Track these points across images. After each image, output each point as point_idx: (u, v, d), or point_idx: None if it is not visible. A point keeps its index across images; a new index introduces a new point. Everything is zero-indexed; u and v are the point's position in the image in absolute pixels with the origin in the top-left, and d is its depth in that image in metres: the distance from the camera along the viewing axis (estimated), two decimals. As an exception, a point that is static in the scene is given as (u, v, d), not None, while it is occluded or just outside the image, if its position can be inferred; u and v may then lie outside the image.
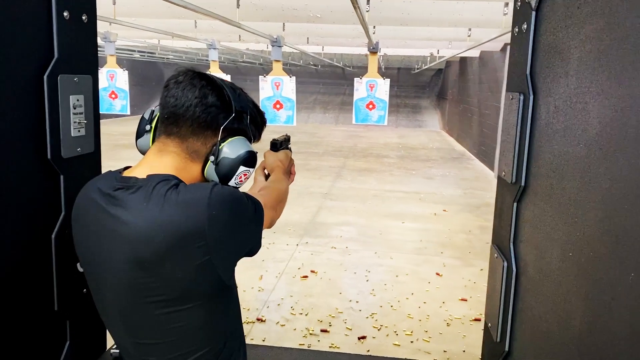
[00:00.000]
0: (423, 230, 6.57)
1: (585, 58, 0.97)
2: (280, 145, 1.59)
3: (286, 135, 1.68)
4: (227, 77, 8.13)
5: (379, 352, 3.62)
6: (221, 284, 1.09)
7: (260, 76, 7.09)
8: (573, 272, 0.97)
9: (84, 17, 1.56)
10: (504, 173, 1.45)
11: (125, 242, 1.04)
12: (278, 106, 7.09)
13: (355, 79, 7.61)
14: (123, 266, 1.05)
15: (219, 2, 5.53)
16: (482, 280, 4.93)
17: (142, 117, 1.24)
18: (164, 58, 18.57)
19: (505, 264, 1.40)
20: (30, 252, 1.44)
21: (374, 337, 3.83)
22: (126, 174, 1.12)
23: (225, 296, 1.14)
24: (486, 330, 1.59)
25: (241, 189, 1.23)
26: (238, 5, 5.55)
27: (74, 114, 1.53)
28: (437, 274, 5.10)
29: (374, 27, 7.34)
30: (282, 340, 3.74)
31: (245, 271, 4.98)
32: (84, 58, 1.59)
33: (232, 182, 1.17)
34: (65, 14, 1.47)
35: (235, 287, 1.21)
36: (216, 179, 1.15)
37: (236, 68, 19.23)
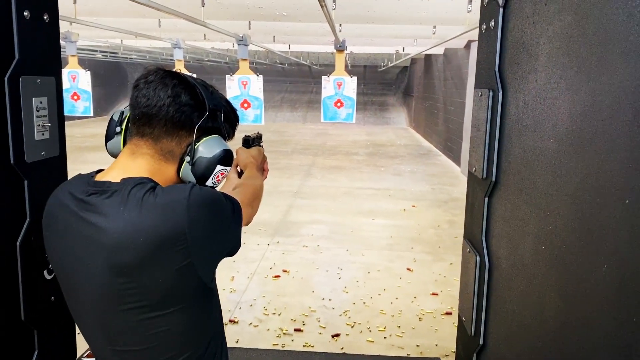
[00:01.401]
0: (393, 226, 6.63)
1: (554, 54, 0.99)
2: (252, 141, 1.58)
3: (258, 132, 1.67)
4: (193, 77, 8.04)
5: (353, 349, 3.64)
6: (202, 286, 1.07)
7: (227, 75, 7.02)
8: (546, 265, 0.99)
9: (45, 17, 1.51)
10: (474, 169, 1.47)
11: (102, 248, 1.01)
12: (246, 105, 7.04)
13: (323, 77, 7.62)
14: (101, 273, 1.02)
15: (183, 1, 5.45)
16: (452, 275, 5.00)
17: (111, 119, 1.20)
18: (127, 58, 18.21)
19: (478, 258, 1.42)
20: (-7, 260, 1.39)
21: (347, 335, 3.84)
22: (99, 177, 1.09)
23: (207, 298, 1.12)
24: (460, 324, 1.61)
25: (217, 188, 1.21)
26: (203, 4, 5.48)
27: (37, 116, 1.48)
28: (408, 269, 5.15)
29: (340, 25, 7.36)
30: (255, 341, 3.72)
31: (216, 272, 4.93)
32: (47, 59, 1.53)
33: (209, 182, 1.15)
34: (25, 13, 1.42)
35: (216, 289, 1.19)
36: (193, 179, 1.13)
37: (202, 67, 19.02)
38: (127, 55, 16.23)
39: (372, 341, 3.76)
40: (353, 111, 7.88)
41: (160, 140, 1.10)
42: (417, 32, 8.25)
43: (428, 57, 15.49)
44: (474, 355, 1.44)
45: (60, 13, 5.08)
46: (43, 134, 1.51)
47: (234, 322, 3.99)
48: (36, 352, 1.56)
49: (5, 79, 1.37)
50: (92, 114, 8.27)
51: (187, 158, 1.11)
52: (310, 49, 12.50)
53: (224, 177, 1.19)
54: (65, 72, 7.64)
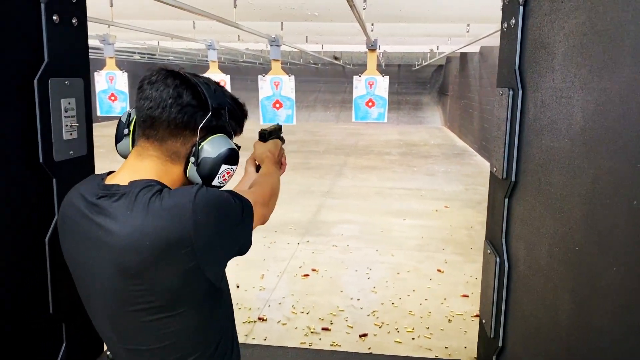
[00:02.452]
0: (424, 227, 6.57)
1: (570, 52, 0.97)
2: (269, 135, 1.57)
3: (277, 124, 1.67)
4: (227, 78, 8.14)
5: (380, 350, 3.63)
6: (210, 287, 1.09)
7: (259, 76, 7.08)
8: (560, 267, 0.97)
9: (74, 21, 1.57)
10: (495, 169, 1.45)
11: (110, 251, 1.03)
12: (277, 105, 7.08)
13: (355, 76, 7.59)
14: (110, 275, 1.05)
15: (216, 3, 5.53)
16: (483, 276, 4.93)
17: (120, 121, 1.22)
18: (164, 59, 18.57)
19: (498, 259, 1.40)
20: (24, 256, 1.44)
21: (375, 335, 3.83)
22: (109, 179, 1.11)
23: (215, 299, 1.13)
24: (481, 326, 1.58)
25: (231, 183, 1.22)
26: (235, 5, 5.55)
27: (66, 117, 1.54)
28: (439, 270, 5.10)
29: (372, 24, 7.33)
30: (283, 339, 3.75)
31: (246, 270, 4.99)
32: (75, 61, 1.59)
33: (215, 182, 1.15)
34: (54, 17, 1.47)
35: (227, 288, 1.20)
36: (199, 179, 1.14)
37: (237, 68, 19.23)
38: (164, 56, 16.56)
39: (400, 342, 3.74)
40: (385, 111, 7.83)
41: (165, 141, 1.10)
42: (450, 30, 8.16)
43: (464, 56, 15.27)
44: (494, 357, 1.42)
45: (97, 16, 5.18)
46: (71, 134, 1.57)
47: (263, 319, 4.03)
48: (64, 345, 1.62)
49: (35, 80, 1.42)
50: (129, 115, 8.44)
51: (192, 159, 1.12)
52: (344, 49, 12.49)
53: (230, 176, 1.18)
54: (103, 73, 7.85)
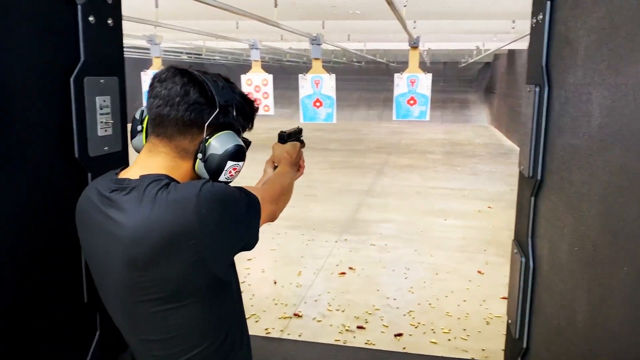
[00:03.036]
0: (466, 227, 6.47)
1: (590, 48, 0.94)
2: (287, 137, 1.60)
3: (297, 127, 1.69)
4: (269, 77, 8.23)
5: (416, 350, 3.60)
6: (216, 280, 1.11)
7: (299, 75, 7.14)
8: (577, 267, 0.94)
9: (109, 22, 1.63)
10: (522, 167, 1.42)
11: (119, 243, 1.07)
12: (318, 104, 7.12)
13: (396, 74, 7.54)
14: (119, 266, 1.09)
15: (258, 2, 5.60)
16: (524, 278, 4.81)
17: (134, 118, 1.26)
18: (210, 59, 18.94)
19: (523, 259, 1.37)
20: (60, 247, 1.51)
21: (410, 335, 3.81)
22: (122, 174, 1.15)
23: (223, 291, 1.15)
24: (507, 327, 1.55)
25: (248, 182, 1.24)
26: (276, 5, 5.61)
27: (101, 114, 1.60)
28: (479, 271, 5.01)
29: (415, 21, 7.26)
30: (318, 335, 3.77)
31: (284, 267, 5.04)
32: (110, 60, 1.65)
33: (222, 178, 1.17)
34: (90, 18, 1.54)
35: (235, 281, 1.21)
36: (206, 175, 1.16)
37: (281, 67, 19.42)
38: (210, 56, 16.89)
39: (436, 342, 3.70)
40: (427, 109, 7.74)
41: (174, 138, 1.13)
42: (495, 27, 7.98)
43: (511, 53, 14.91)
44: (519, 359, 1.39)
45: (143, 17, 5.33)
46: (106, 130, 1.63)
47: (299, 316, 4.07)
48: (98, 333, 1.69)
49: (71, 79, 1.49)
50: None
51: (200, 155, 1.14)
52: (387, 47, 12.41)
53: (237, 172, 1.20)
54: (149, 72, 8.09)
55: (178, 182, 1.10)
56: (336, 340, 3.70)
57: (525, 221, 1.39)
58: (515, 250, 1.47)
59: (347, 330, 3.86)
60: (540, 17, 1.31)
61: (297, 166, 1.62)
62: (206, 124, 1.13)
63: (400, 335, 3.79)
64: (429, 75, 7.61)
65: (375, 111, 21.48)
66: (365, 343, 3.68)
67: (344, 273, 4.93)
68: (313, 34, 7.04)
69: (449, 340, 3.74)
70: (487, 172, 10.14)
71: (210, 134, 1.15)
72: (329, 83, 7.08)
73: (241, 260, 5.17)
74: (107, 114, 1.63)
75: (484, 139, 15.47)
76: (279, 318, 4.02)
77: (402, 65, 8.95)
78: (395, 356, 2.38)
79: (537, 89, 1.29)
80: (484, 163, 11.21)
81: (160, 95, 1.12)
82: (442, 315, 4.11)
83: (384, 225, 6.51)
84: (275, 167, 1.57)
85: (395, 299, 4.39)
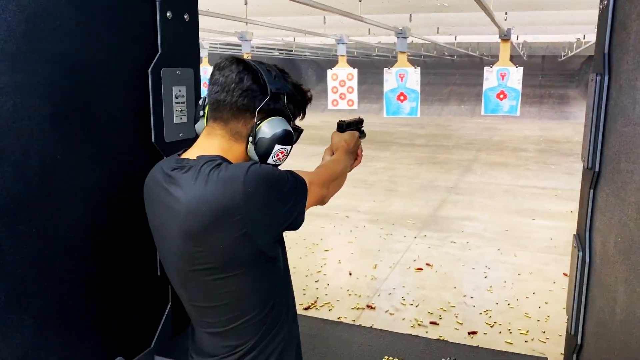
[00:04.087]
0: (555, 228, 6.16)
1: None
2: (346, 126, 1.64)
3: (358, 117, 1.73)
4: (354, 71, 8.29)
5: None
6: (262, 254, 1.18)
7: (384, 68, 7.13)
8: (619, 258, 0.91)
9: (185, 16, 1.76)
10: (583, 158, 1.37)
11: (177, 215, 1.17)
12: (402, 98, 7.07)
13: (485, 67, 7.32)
14: (175, 237, 1.19)
15: (343, -3, 5.67)
16: (616, 284, 4.52)
17: (197, 104, 1.37)
18: (300, 55, 19.32)
19: (580, 254, 1.32)
20: (137, 223, 1.66)
21: (485, 334, 3.72)
22: (184, 155, 1.26)
23: (269, 265, 1.22)
24: (567, 324, 1.50)
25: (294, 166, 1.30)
26: (360, -1, 5.65)
27: (176, 103, 1.74)
28: (565, 274, 4.77)
29: (506, 13, 6.99)
30: (389, 327, 3.77)
31: (359, 259, 5.09)
32: (186, 53, 1.78)
33: (270, 160, 1.24)
34: (168, 13, 1.67)
35: (283, 257, 1.28)
36: (256, 157, 1.24)
37: (370, 62, 19.39)
38: (301, 52, 17.23)
39: (511, 343, 3.60)
40: (517, 104, 7.43)
41: (229, 122, 1.22)
42: (595, 17, 7.49)
43: (616, 45, 13.87)
44: (574, 356, 1.35)
45: (233, 14, 5.58)
46: (181, 118, 1.77)
47: (372, 307, 4.11)
48: (169, 304, 1.84)
49: (149, 70, 1.63)
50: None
51: (251, 138, 1.23)
52: (478, 39, 12.02)
53: (284, 155, 1.27)
54: (241, 68, 8.42)
55: (230, 163, 1.19)
56: (407, 334, 3.70)
57: (584, 214, 1.34)
58: (574, 245, 1.42)
59: (419, 324, 3.84)
60: (605, 3, 1.26)
61: (354, 155, 1.66)
62: (257, 109, 1.21)
63: (474, 333, 3.72)
64: (520, 69, 7.30)
65: (467, 106, 20.85)
66: (437, 339, 3.64)
67: (420, 269, 4.89)
68: (399, 27, 7.00)
69: (526, 341, 3.62)
70: (583, 172, 9.55)
71: (261, 119, 1.22)
72: (413, 77, 7.01)
73: (318, 250, 5.29)
74: (183, 102, 1.76)
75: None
76: (352, 308, 4.08)
77: (497, 59, 8.67)
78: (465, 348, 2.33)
79: (599, 78, 1.24)
80: (582, 162, 10.55)
81: (219, 82, 1.22)
82: (521, 316, 3.97)
83: (467, 223, 6.35)
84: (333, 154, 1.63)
85: (472, 297, 4.30)
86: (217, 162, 1.17)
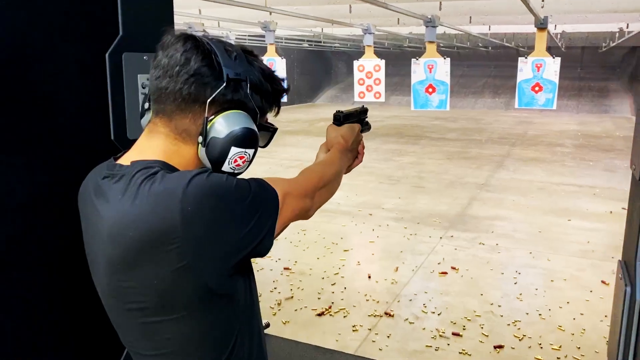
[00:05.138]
0: (593, 230, 5.74)
1: None
2: (344, 118, 1.36)
3: (361, 106, 1.44)
4: (382, 62, 7.95)
5: (517, 366, 3.20)
6: (211, 292, 0.92)
7: (412, 59, 6.78)
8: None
9: (155, -9, 1.51)
10: (634, 166, 1.07)
11: (101, 238, 0.93)
12: (430, 90, 6.72)
13: (520, 58, 6.89)
14: (103, 265, 0.95)
15: (367, -17, 5.35)
16: (661, 295, 4.12)
17: (145, 95, 1.10)
18: (330, 47, 19.00)
19: (628, 289, 1.03)
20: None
21: (512, 348, 3.40)
22: (119, 160, 1.00)
23: (223, 305, 0.96)
24: (608, 369, 1.21)
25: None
26: (386, -15, 5.32)
27: (143, 93, 1.49)
28: (603, 282, 4.39)
29: (543, 0, 6.55)
30: (407, 338, 3.51)
31: (380, 261, 4.80)
32: (156, 35, 1.53)
33: (226, 167, 0.97)
34: (131, -14, 1.42)
35: (245, 292, 1.00)
36: (209, 164, 0.97)
37: (402, 53, 18.91)
38: (330, 43, 16.91)
39: (541, 359, 3.26)
40: (554, 96, 6.98)
41: (174, 117, 0.95)
42: (641, 3, 6.97)
43: (663, 34, 13.11)
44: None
45: (256, 3, 5.32)
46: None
47: (390, 315, 3.82)
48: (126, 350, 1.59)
49: (107, 55, 1.39)
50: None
51: (201, 138, 0.95)
52: (513, 29, 11.48)
53: (245, 161, 0.98)
54: (264, 59, 8.19)
55: (169, 171, 0.92)
56: (427, 346, 3.41)
57: (635, 237, 1.04)
58: (619, 275, 1.12)
59: (440, 335, 3.54)
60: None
61: (354, 153, 1.38)
62: (209, 100, 0.94)
63: (500, 347, 3.40)
64: (558, 60, 6.85)
65: (502, 99, 20.19)
66: (460, 352, 3.34)
67: (445, 273, 4.57)
68: (428, 16, 6.64)
69: (558, 358, 3.28)
70: (625, 169, 8.99)
71: (215, 114, 0.96)
72: (443, 68, 6.64)
73: (337, 251, 5.02)
74: (152, 93, 1.51)
75: (625, 132, 13.82)
76: (369, 315, 3.80)
77: (533, 50, 8.22)
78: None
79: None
80: (622, 159, 9.98)
81: (161, 64, 0.96)
82: (553, 329, 3.63)
83: (497, 222, 5.98)
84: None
85: (500, 306, 3.97)
86: (153, 170, 0.91)
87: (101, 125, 1.42)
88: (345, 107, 1.43)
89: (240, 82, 0.96)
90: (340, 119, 1.34)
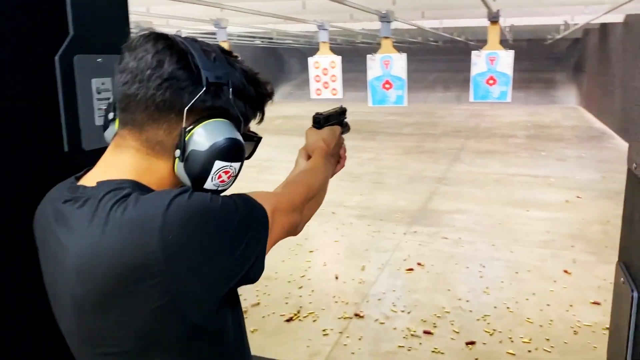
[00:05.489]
0: (551, 219, 5.86)
1: None
2: (324, 120, 1.26)
3: (340, 107, 1.35)
4: (338, 59, 7.88)
5: (489, 362, 3.19)
6: (198, 330, 0.80)
7: (368, 55, 6.74)
8: None
9: (109, -12, 1.36)
10: (635, 165, 1.02)
11: (66, 274, 0.80)
12: (387, 86, 6.69)
13: (473, 52, 6.96)
14: (70, 305, 0.81)
15: (322, -22, 5.26)
16: (620, 281, 4.22)
17: (108, 104, 0.96)
18: (282, 44, 18.82)
19: (636, 294, 0.98)
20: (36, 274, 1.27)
21: (484, 344, 3.39)
22: (82, 180, 0.87)
23: (211, 342, 0.84)
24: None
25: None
26: (341, -20, 5.24)
27: (99, 99, 1.35)
28: (565, 271, 4.46)
29: (494, -7, 6.62)
30: (379, 340, 3.45)
31: (346, 260, 4.74)
32: (112, 35, 1.38)
33: (209, 184, 0.85)
34: (81, -16, 1.28)
35: (235, 324, 0.89)
36: (188, 181, 0.85)
37: (354, 49, 18.94)
38: (282, 40, 16.74)
39: (513, 354, 3.27)
40: (508, 89, 7.09)
41: (145, 129, 0.83)
42: (587, -4, 7.16)
43: (604, 27, 13.60)
44: None
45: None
46: (107, 119, 1.37)
47: (360, 316, 3.76)
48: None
49: (57, 58, 1.24)
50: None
51: (178, 152, 0.83)
52: (465, 24, 11.64)
53: (230, 176, 0.87)
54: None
55: (143, 193, 0.79)
56: (399, 346, 3.37)
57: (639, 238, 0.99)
58: (622, 279, 1.07)
59: (412, 335, 3.50)
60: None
61: (336, 157, 1.28)
62: (186, 108, 0.82)
63: (472, 343, 3.39)
64: (511, 53, 6.96)
65: (453, 93, 20.54)
66: (432, 351, 3.31)
67: (411, 269, 4.54)
68: (382, 11, 6.60)
69: (529, 351, 3.30)
70: (575, 158, 9.28)
71: (194, 123, 0.84)
72: (399, 63, 6.63)
73: (302, 252, 4.92)
74: (108, 99, 1.36)
75: (573, 122, 14.30)
76: (339, 318, 3.72)
77: (483, 44, 8.33)
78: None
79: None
80: (573, 147, 10.29)
81: (129, 67, 0.83)
82: (522, 322, 3.65)
83: (458, 216, 6.02)
84: (310, 158, 1.25)
85: (468, 301, 3.97)
86: (124, 192, 0.78)
87: (52, 137, 1.27)
88: (324, 109, 1.34)
89: (221, 86, 0.84)
90: (320, 121, 1.25)
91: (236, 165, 0.87)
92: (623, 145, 10.29)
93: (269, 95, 0.95)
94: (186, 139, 0.83)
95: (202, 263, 0.75)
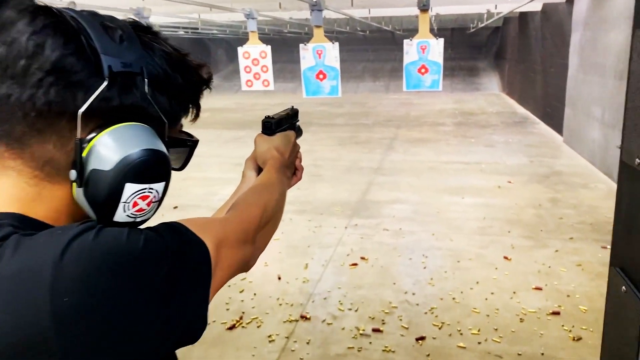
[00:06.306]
0: (486, 206, 5.94)
1: None
2: (276, 125, 1.07)
3: (291, 108, 1.16)
4: (267, 48, 7.63)
5: (441, 357, 3.12)
6: None
7: (300, 44, 6.55)
8: None
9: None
10: (637, 161, 0.90)
11: None
12: (321, 76, 6.54)
13: (405, 40, 6.92)
14: None
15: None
16: (558, 264, 4.30)
17: None
18: (208, 34, 18.24)
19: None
20: None
21: (434, 338, 3.32)
22: None
23: None
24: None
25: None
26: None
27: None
28: (505, 257, 4.50)
29: (424, -19, 6.60)
30: (328, 342, 3.30)
31: (288, 259, 4.55)
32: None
33: (121, 216, 0.63)
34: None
35: None
36: (92, 212, 0.62)
37: (282, 40, 18.68)
38: (208, 30, 16.20)
39: (464, 347, 3.22)
40: (439, 78, 7.13)
41: (27, 143, 0.59)
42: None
43: (523, 16, 14.12)
44: None
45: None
46: None
47: (306, 318, 3.59)
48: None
49: None
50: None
51: (73, 173, 0.60)
52: (393, 13, 11.69)
53: (150, 202, 0.64)
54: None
55: (30, 234, 0.55)
56: (349, 347, 3.23)
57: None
58: (623, 287, 0.95)
59: (361, 334, 3.38)
60: None
61: (292, 169, 1.09)
62: (81, 111, 0.59)
63: (422, 339, 3.31)
64: (441, 41, 6.99)
65: (382, 82, 20.77)
66: (383, 350, 3.20)
67: (355, 264, 4.43)
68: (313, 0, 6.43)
69: (479, 343, 3.26)
70: (503, 143, 9.55)
71: (94, 131, 0.61)
72: (332, 53, 6.49)
73: (241, 253, 4.68)
74: None
75: (497, 108, 14.79)
76: (284, 322, 3.54)
77: (409, 33, 8.34)
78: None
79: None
80: (499, 133, 10.60)
81: None
82: (469, 312, 3.62)
83: (397, 206, 5.99)
84: (259, 169, 1.05)
85: (414, 294, 3.90)
86: (2, 232, 0.55)
87: None
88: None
89: (133, 76, 0.62)
90: (271, 126, 1.05)
91: (158, 186, 0.64)
92: (547, 130, 10.73)
93: (204, 82, 0.73)
94: (83, 154, 0.60)
95: (115, 332, 0.53)
